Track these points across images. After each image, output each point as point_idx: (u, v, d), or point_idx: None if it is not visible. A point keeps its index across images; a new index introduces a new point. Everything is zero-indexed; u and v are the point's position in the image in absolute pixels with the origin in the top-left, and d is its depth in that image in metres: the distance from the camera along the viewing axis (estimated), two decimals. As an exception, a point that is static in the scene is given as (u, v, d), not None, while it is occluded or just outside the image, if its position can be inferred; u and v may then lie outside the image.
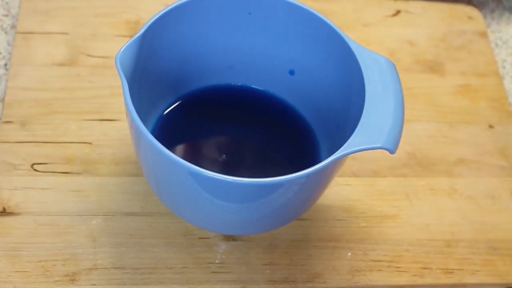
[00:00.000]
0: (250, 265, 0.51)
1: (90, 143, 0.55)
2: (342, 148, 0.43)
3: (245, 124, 0.55)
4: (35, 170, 0.53)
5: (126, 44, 0.45)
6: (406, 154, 0.58)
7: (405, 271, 0.53)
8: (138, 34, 0.46)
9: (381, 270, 0.53)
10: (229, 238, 0.52)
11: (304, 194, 0.47)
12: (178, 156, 0.42)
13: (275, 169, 0.53)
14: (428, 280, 0.53)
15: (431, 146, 0.59)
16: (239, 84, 0.55)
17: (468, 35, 0.67)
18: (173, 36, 0.50)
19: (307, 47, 0.51)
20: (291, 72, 0.54)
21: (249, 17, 0.51)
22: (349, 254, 0.53)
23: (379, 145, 0.44)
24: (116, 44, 0.46)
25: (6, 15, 0.63)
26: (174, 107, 0.53)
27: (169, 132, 0.52)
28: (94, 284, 0.49)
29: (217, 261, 0.51)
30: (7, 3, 0.63)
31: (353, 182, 0.56)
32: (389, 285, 0.52)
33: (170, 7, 0.48)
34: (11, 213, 0.51)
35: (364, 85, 0.46)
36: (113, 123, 0.56)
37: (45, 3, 0.62)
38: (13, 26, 0.62)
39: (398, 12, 0.67)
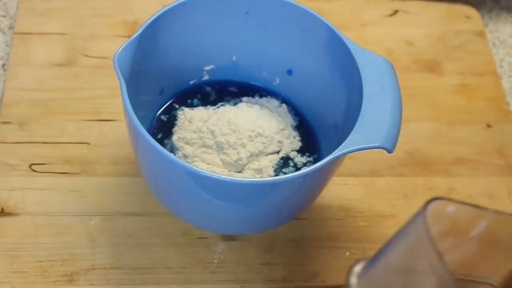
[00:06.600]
0: (248, 265, 0.51)
1: (88, 144, 0.55)
2: (340, 147, 0.43)
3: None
4: (33, 170, 0.53)
5: (124, 45, 0.45)
6: (404, 153, 0.58)
7: (403, 270, 0.53)
8: (136, 34, 0.46)
9: (379, 270, 0.53)
10: (227, 237, 0.52)
11: (302, 193, 0.47)
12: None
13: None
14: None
15: (429, 145, 0.59)
16: (237, 83, 0.55)
17: (466, 35, 0.67)
18: (171, 36, 0.50)
19: (305, 47, 0.51)
20: (289, 72, 0.54)
21: (247, 17, 0.51)
22: (348, 253, 0.53)
23: (377, 144, 0.44)
24: (114, 45, 0.46)
25: (4, 16, 0.63)
26: (173, 106, 0.53)
27: (167, 132, 0.52)
28: (93, 284, 0.49)
29: (215, 261, 0.51)
30: (5, 4, 0.63)
31: (351, 182, 0.56)
32: (388, 284, 0.52)
33: (168, 7, 0.48)
34: (9, 214, 0.51)
35: (362, 85, 0.46)
36: (111, 124, 0.56)
37: (43, 4, 0.62)
38: (11, 27, 0.62)
39: (395, 11, 0.67)
